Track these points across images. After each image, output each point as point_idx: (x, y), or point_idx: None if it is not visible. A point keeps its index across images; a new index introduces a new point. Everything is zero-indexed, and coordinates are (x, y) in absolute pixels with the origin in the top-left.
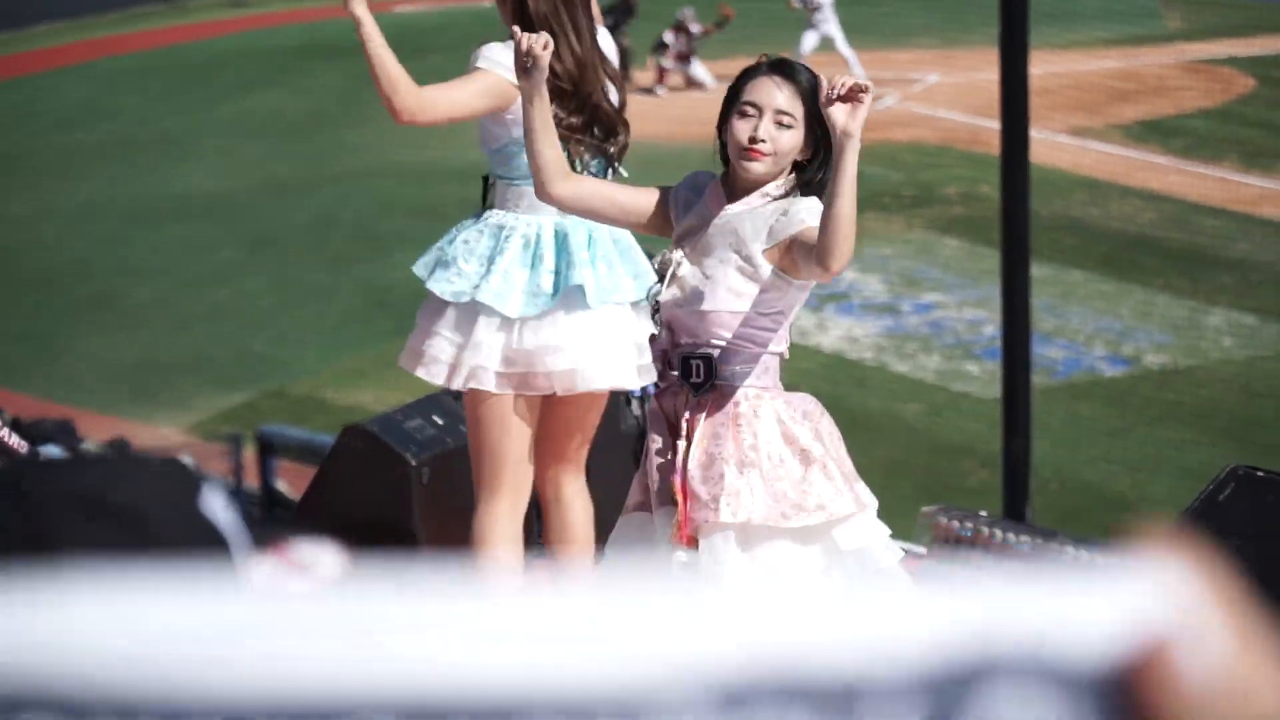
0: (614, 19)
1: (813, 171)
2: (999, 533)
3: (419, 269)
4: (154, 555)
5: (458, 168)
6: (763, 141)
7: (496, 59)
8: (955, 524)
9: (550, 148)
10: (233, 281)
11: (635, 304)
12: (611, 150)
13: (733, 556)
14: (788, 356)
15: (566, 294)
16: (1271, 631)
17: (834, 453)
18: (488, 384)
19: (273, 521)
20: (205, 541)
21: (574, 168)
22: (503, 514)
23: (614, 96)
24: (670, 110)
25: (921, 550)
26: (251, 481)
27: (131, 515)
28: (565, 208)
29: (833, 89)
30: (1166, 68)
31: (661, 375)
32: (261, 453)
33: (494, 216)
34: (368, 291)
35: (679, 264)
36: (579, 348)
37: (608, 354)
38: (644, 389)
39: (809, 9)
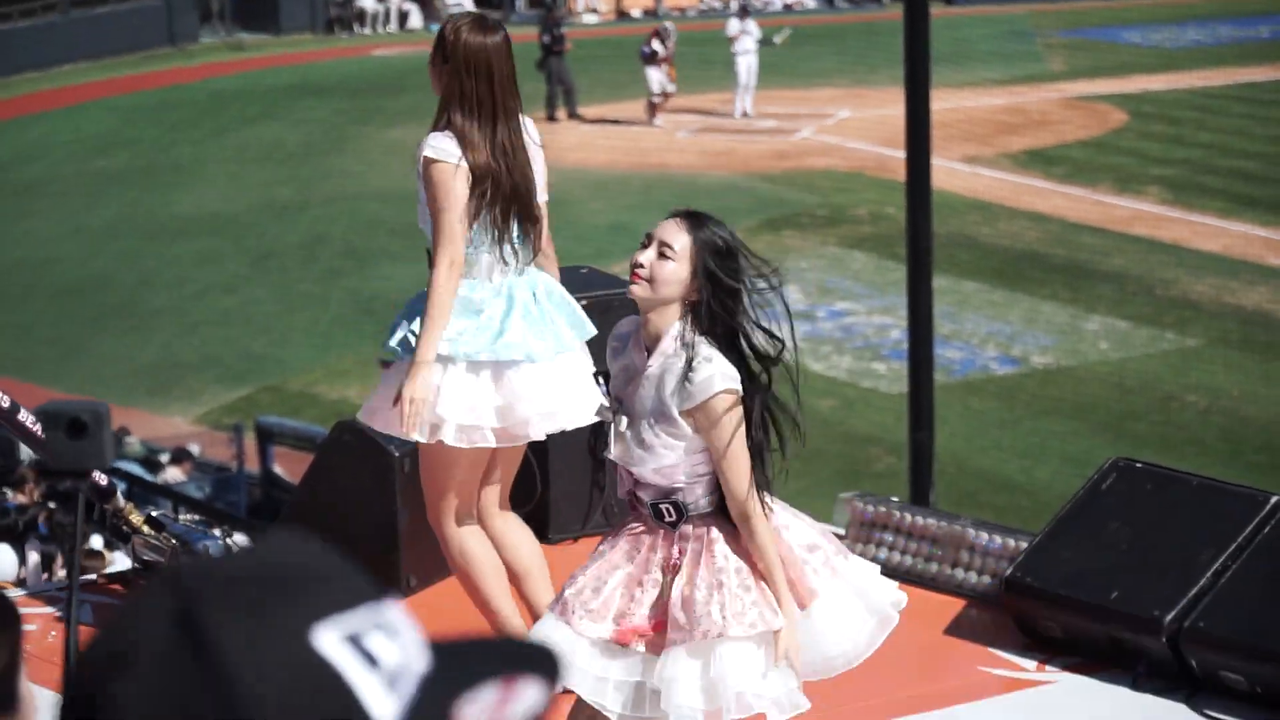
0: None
1: (701, 320)
2: (908, 516)
3: (394, 345)
4: (226, 697)
5: None
6: (641, 266)
7: (442, 148)
8: (869, 508)
9: None
10: (237, 291)
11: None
12: (530, 230)
13: (687, 665)
14: None
15: (512, 355)
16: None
17: (797, 539)
18: (488, 440)
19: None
20: (305, 683)
21: (502, 253)
22: (469, 529)
23: (534, 181)
24: (615, 140)
25: (840, 531)
26: (251, 465)
27: (219, 655)
28: None
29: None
30: (1049, 104)
31: (635, 510)
32: (261, 440)
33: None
34: (355, 300)
35: (619, 421)
36: (545, 396)
37: (571, 398)
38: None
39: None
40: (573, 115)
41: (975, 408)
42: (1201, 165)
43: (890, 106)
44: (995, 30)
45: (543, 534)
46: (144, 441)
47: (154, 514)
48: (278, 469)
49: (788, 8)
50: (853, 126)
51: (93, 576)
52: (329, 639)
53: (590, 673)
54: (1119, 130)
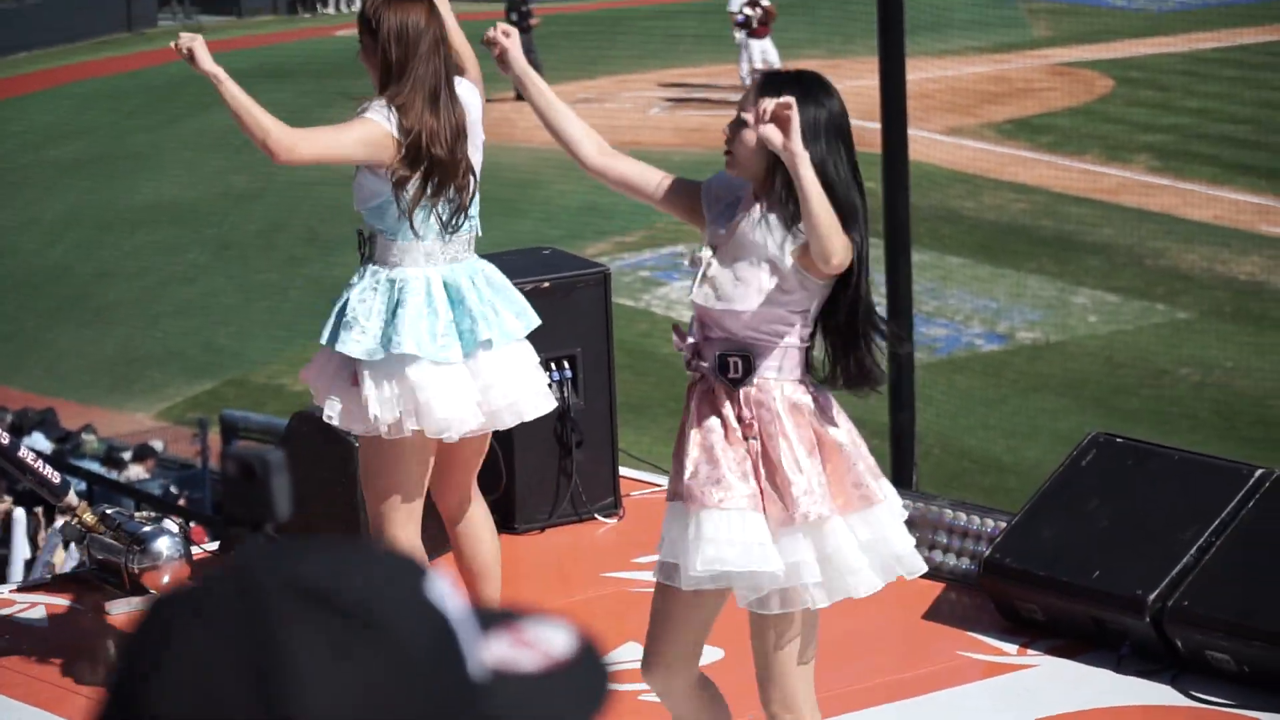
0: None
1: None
2: None
3: (323, 338)
4: (385, 650)
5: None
6: (730, 140)
7: (382, 114)
8: None
9: (570, 124)
10: (198, 281)
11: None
12: (459, 199)
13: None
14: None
15: (465, 343)
16: None
17: (856, 443)
18: (462, 429)
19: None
20: (434, 631)
21: (419, 219)
22: (413, 537)
23: (468, 149)
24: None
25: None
26: (216, 461)
27: (363, 610)
28: (604, 180)
29: (759, 117)
30: (1034, 71)
31: (690, 365)
32: (225, 435)
33: (381, 272)
34: (317, 289)
35: (709, 264)
36: (503, 386)
37: (529, 386)
38: (553, 378)
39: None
40: None
41: (960, 386)
42: (1191, 131)
43: (868, 78)
44: None
45: (509, 524)
46: (104, 439)
47: (108, 511)
48: None
49: None
50: None
51: (47, 577)
52: (437, 593)
53: (752, 543)
54: (1105, 97)
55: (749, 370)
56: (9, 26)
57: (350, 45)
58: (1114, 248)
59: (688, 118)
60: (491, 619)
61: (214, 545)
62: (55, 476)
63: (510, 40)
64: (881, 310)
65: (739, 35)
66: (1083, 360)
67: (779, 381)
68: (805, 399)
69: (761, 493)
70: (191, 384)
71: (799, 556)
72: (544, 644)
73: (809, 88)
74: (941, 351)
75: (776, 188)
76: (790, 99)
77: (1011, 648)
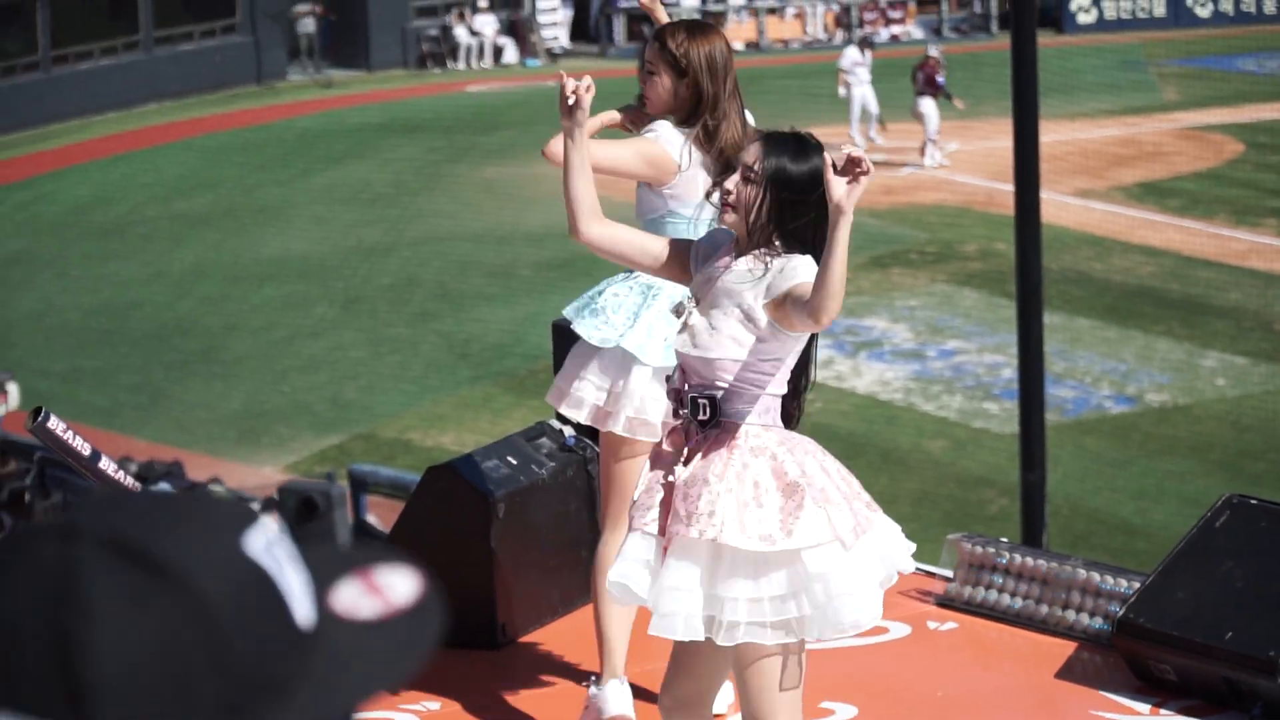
0: None
1: (791, 228)
2: (1017, 557)
3: (569, 311)
4: (184, 602)
5: (530, 232)
6: (730, 193)
7: (665, 135)
8: (977, 549)
9: (586, 188)
10: (326, 336)
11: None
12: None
13: (691, 570)
14: (805, 395)
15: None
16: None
17: (836, 484)
18: (653, 435)
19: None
20: (244, 584)
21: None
22: (618, 544)
23: None
24: None
25: (948, 574)
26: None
27: (167, 564)
28: (595, 248)
29: (836, 163)
30: (1163, 134)
31: (675, 413)
32: (353, 489)
33: (641, 276)
34: (448, 344)
35: (690, 313)
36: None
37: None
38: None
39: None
40: None
41: (1089, 448)
42: None
43: (999, 139)
44: (1106, 60)
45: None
46: (232, 490)
47: None
48: (371, 518)
49: (895, 39)
50: (962, 160)
51: None
52: (254, 547)
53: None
54: (1234, 161)
55: (714, 412)
56: (135, 79)
57: (478, 102)
58: (1242, 311)
59: None
60: (347, 562)
61: None
62: None
63: (589, 95)
64: (1012, 371)
65: (842, 91)
66: (1210, 423)
67: (749, 426)
68: (770, 442)
69: (668, 512)
70: (319, 438)
71: (735, 593)
72: (388, 591)
73: (803, 147)
74: (1071, 413)
75: (756, 241)
76: (867, 161)
77: (1144, 707)
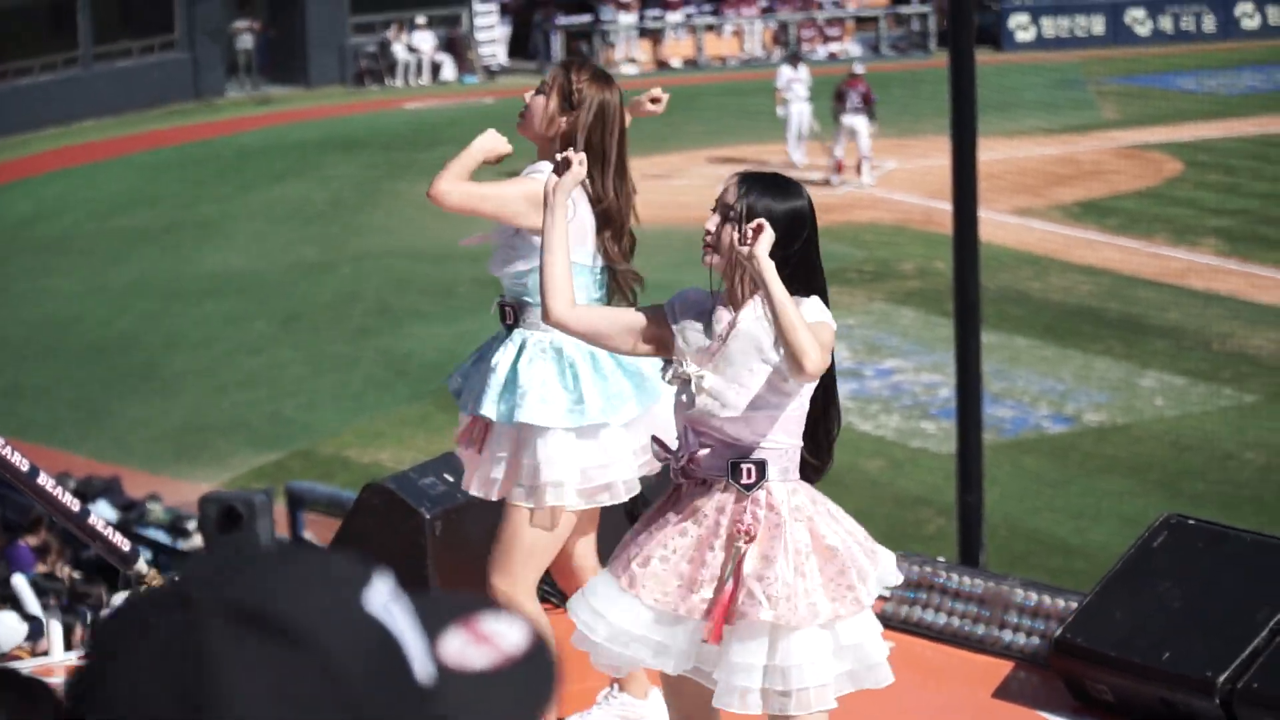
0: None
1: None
2: (954, 576)
3: (501, 415)
4: (314, 666)
5: (468, 250)
6: (709, 233)
7: (549, 177)
8: (914, 569)
9: (566, 269)
10: (265, 352)
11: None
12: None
13: (757, 649)
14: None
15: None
16: None
17: (850, 538)
18: (569, 501)
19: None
20: (369, 643)
21: (628, 296)
22: (530, 596)
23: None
24: (654, 194)
25: (885, 593)
26: (282, 532)
27: (292, 628)
28: (570, 330)
29: (743, 238)
30: (1102, 153)
31: (683, 473)
32: (291, 506)
33: (531, 336)
34: (386, 361)
35: (701, 377)
36: (621, 460)
37: (631, 463)
38: None
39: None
40: None
41: (1027, 467)
42: (1259, 215)
43: (936, 157)
44: (1045, 79)
45: None
46: (170, 508)
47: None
48: (308, 535)
49: (832, 56)
50: (899, 179)
51: None
52: (374, 604)
53: (653, 639)
54: (1174, 180)
55: (761, 476)
56: (74, 94)
57: (416, 119)
58: (1181, 331)
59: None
60: (449, 612)
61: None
62: (125, 544)
63: (582, 169)
64: (950, 390)
65: (780, 110)
66: (1148, 443)
67: (782, 484)
68: (805, 501)
69: (736, 592)
70: (257, 454)
71: (749, 659)
72: (498, 640)
73: (784, 187)
74: (1009, 432)
75: (746, 282)
76: (764, 221)
77: None
